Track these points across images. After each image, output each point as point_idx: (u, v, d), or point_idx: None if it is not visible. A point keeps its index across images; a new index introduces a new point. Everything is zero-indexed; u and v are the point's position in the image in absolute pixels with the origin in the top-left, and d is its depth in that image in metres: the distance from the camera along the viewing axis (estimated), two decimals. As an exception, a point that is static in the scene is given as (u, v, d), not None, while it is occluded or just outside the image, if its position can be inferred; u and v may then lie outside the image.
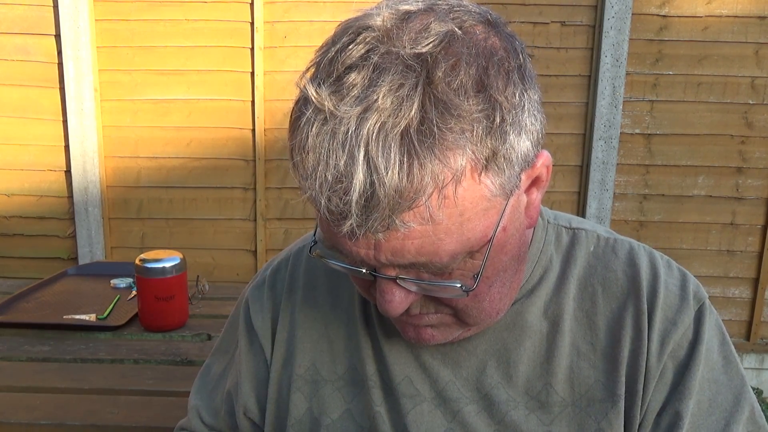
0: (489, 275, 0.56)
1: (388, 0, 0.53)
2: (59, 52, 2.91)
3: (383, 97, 0.46)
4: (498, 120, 0.48)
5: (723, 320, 0.66)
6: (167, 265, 1.46)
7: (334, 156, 0.47)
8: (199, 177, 3.04)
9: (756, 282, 3.07)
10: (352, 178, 0.46)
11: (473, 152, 0.48)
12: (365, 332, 0.70)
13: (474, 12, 0.52)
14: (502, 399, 0.65)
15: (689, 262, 3.05)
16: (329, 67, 0.50)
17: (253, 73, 2.92)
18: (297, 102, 0.52)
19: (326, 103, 0.48)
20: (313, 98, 0.48)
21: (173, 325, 1.49)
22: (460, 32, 0.49)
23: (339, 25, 0.53)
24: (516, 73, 0.51)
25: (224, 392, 0.79)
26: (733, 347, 0.68)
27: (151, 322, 1.48)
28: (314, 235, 0.62)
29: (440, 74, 0.47)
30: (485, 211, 0.51)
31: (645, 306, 0.64)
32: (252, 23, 2.88)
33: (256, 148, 2.99)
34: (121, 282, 1.77)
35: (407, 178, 0.46)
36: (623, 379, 0.63)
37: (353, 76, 0.47)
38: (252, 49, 2.90)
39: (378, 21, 0.49)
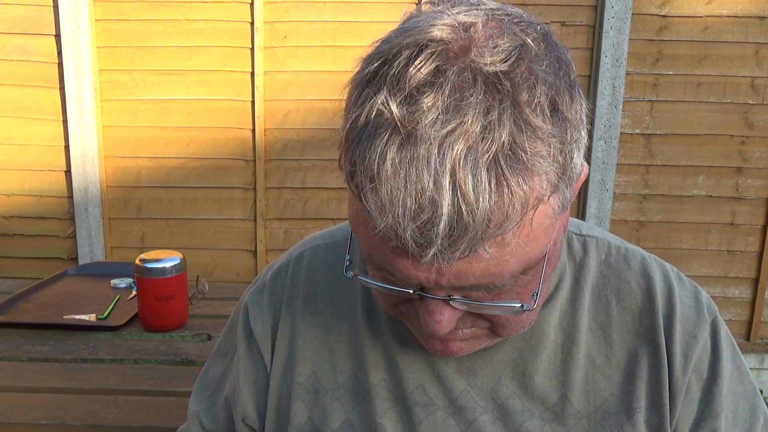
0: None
1: (432, 7, 0.51)
2: (59, 52, 2.91)
3: (472, 121, 0.43)
4: (568, 139, 0.47)
5: (723, 320, 0.67)
6: (167, 265, 1.46)
7: (418, 184, 0.43)
8: (199, 177, 3.05)
9: (756, 282, 3.07)
10: (438, 207, 0.43)
11: (549, 174, 0.46)
12: (371, 341, 0.68)
13: (531, 22, 0.50)
14: (518, 409, 0.64)
15: (689, 262, 3.05)
16: (395, 84, 0.45)
17: (253, 73, 2.92)
18: (354, 120, 0.47)
19: (406, 124, 0.44)
20: (396, 118, 0.44)
21: (173, 325, 1.49)
22: (529, 46, 0.47)
23: (383, 42, 0.49)
24: (575, 87, 0.50)
25: (223, 397, 0.78)
26: (741, 354, 0.68)
27: (151, 322, 1.48)
28: (348, 252, 0.60)
29: (525, 96, 0.45)
30: (546, 229, 0.50)
31: (660, 321, 0.64)
32: (252, 23, 2.88)
33: (256, 148, 2.99)
34: (121, 282, 1.77)
35: (497, 206, 0.44)
36: (640, 393, 0.63)
37: (430, 96, 0.44)
38: (252, 49, 2.90)
39: (441, 34, 0.46)
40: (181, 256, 1.49)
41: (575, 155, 0.49)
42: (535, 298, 0.54)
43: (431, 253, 0.45)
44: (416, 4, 2.86)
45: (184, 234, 3.11)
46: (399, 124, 0.44)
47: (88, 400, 1.19)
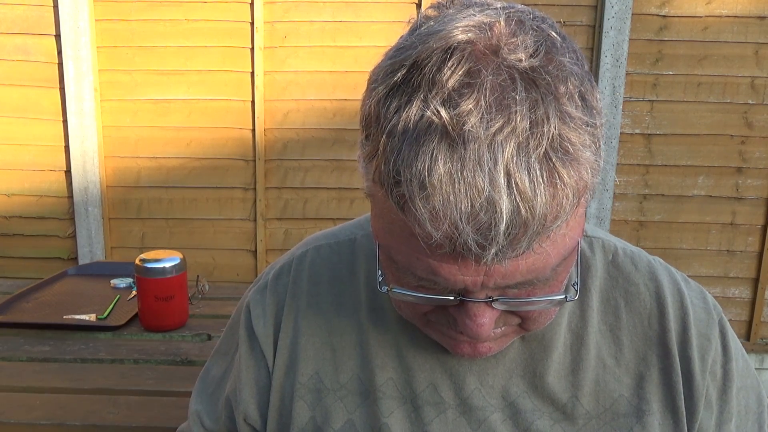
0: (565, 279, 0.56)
1: (442, 11, 0.51)
2: (59, 52, 2.91)
3: (520, 118, 0.43)
4: (597, 126, 0.48)
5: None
6: (167, 265, 1.45)
7: (474, 186, 0.43)
8: (199, 177, 3.05)
9: (756, 282, 3.07)
10: (498, 207, 0.43)
11: (591, 163, 0.47)
12: (378, 341, 0.68)
13: (543, 17, 0.51)
14: (528, 408, 0.64)
15: (689, 262, 3.05)
16: (432, 89, 0.45)
17: (253, 73, 2.92)
18: (392, 129, 0.46)
19: (455, 126, 0.43)
20: (445, 121, 0.43)
21: (173, 325, 1.49)
22: (553, 39, 0.48)
23: (405, 48, 0.48)
24: (591, 77, 0.50)
25: (224, 397, 0.78)
26: (743, 347, 0.69)
27: (151, 322, 1.48)
28: (379, 267, 0.58)
29: (563, 88, 0.45)
30: (580, 218, 0.51)
31: (672, 324, 0.64)
32: (252, 23, 2.88)
33: (256, 148, 2.99)
34: (121, 282, 1.77)
35: (553, 199, 0.44)
36: (650, 396, 0.63)
37: (471, 97, 0.44)
38: (252, 49, 2.90)
39: (466, 35, 0.46)
40: (181, 256, 1.49)
41: (602, 143, 0.50)
42: (576, 288, 0.55)
43: (492, 253, 0.45)
44: (416, 5, 2.86)
45: (184, 234, 3.11)
46: (446, 127, 0.44)
47: (88, 400, 1.19)
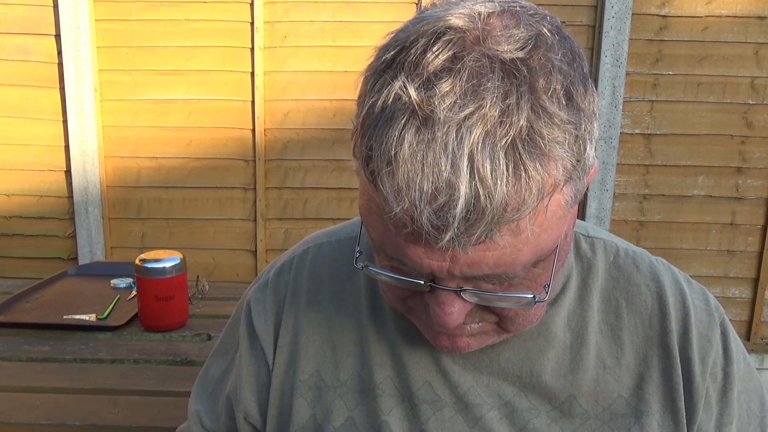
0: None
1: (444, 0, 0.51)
2: (59, 52, 2.91)
3: (491, 105, 0.44)
4: (582, 129, 0.48)
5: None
6: (167, 265, 1.46)
7: (436, 167, 0.44)
8: (199, 177, 3.05)
9: (756, 282, 3.07)
10: (456, 190, 0.43)
11: (564, 161, 0.47)
12: (377, 338, 0.68)
13: (545, 15, 0.51)
14: (524, 407, 0.64)
15: (689, 262, 3.05)
16: (413, 70, 0.46)
17: (253, 73, 2.93)
18: (371, 106, 0.48)
19: (424, 107, 0.44)
20: (414, 102, 0.45)
21: (173, 325, 1.49)
22: (545, 36, 0.48)
23: (400, 31, 0.50)
24: (589, 80, 0.50)
25: (224, 396, 0.78)
26: (745, 350, 0.69)
27: (151, 322, 1.48)
28: (358, 244, 0.60)
29: (542, 82, 0.45)
30: (559, 220, 0.50)
31: (673, 325, 0.64)
32: (252, 23, 2.88)
33: (256, 148, 2.99)
34: (121, 282, 1.77)
35: (514, 190, 0.44)
36: (650, 397, 0.63)
37: (448, 81, 0.44)
38: (252, 49, 2.90)
39: (458, 22, 0.47)
40: (181, 256, 1.49)
41: (588, 146, 0.49)
42: (546, 289, 0.54)
43: (447, 237, 0.45)
44: (416, 5, 2.86)
45: (184, 234, 3.11)
46: (417, 107, 0.44)
47: (88, 400, 1.19)
